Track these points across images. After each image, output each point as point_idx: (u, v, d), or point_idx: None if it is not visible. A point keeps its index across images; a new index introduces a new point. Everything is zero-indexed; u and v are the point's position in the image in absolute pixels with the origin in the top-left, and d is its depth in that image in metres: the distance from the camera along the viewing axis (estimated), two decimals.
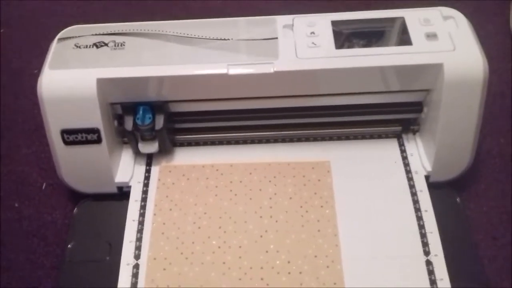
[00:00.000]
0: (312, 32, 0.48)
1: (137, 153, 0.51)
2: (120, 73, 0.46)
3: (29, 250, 0.49)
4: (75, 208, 0.50)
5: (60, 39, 0.49)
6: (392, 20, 0.48)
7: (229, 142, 0.52)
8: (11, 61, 0.67)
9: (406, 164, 0.49)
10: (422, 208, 0.46)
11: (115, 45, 0.48)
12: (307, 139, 0.52)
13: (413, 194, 0.47)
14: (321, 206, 0.47)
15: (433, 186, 0.48)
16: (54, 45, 0.49)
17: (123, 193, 0.50)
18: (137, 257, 0.45)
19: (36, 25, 0.71)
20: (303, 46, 0.47)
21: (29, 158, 0.56)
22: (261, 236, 0.46)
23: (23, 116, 0.60)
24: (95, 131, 0.47)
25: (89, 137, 0.47)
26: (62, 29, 0.51)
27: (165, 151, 0.51)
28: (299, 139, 0.52)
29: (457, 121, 0.46)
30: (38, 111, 0.48)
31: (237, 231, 0.46)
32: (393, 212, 0.46)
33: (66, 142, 0.47)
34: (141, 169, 0.51)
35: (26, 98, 0.62)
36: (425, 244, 0.44)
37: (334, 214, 0.46)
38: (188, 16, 0.69)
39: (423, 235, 0.45)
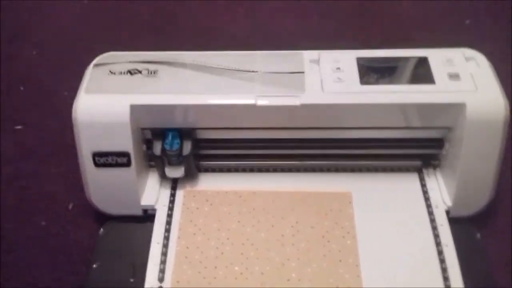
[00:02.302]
0: (338, 68, 0.50)
1: (163, 177, 0.52)
2: (153, 100, 0.48)
3: (55, 268, 0.51)
4: (101, 229, 0.52)
5: (96, 65, 0.51)
6: (415, 59, 0.50)
7: (252, 169, 0.54)
8: (43, 83, 0.69)
9: (427, 199, 0.50)
10: (443, 242, 0.47)
11: (148, 73, 0.50)
12: (329, 169, 0.53)
13: (434, 228, 0.48)
14: (343, 237, 0.48)
15: (453, 221, 0.49)
16: (90, 70, 0.51)
17: (148, 216, 0.51)
18: (160, 280, 0.46)
19: (67, 49, 0.73)
20: (329, 81, 0.48)
21: (57, 177, 0.58)
22: (283, 264, 0.46)
23: (53, 136, 0.62)
24: (126, 154, 0.48)
25: (119, 160, 0.49)
26: (91, 53, 0.53)
27: (191, 176, 0.52)
28: (321, 170, 0.53)
29: (478, 159, 0.47)
30: (67, 132, 0.49)
31: (259, 258, 0.47)
32: (414, 245, 0.47)
33: (97, 164, 0.49)
34: (166, 192, 0.52)
35: (56, 119, 0.64)
36: (446, 278, 0.45)
37: (356, 245, 0.47)
38: (214, 46, 0.72)
39: (444, 270, 0.45)
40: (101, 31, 0.76)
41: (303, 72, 0.49)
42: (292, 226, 0.49)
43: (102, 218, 0.52)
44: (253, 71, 0.50)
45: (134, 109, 0.48)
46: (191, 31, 0.75)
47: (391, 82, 0.48)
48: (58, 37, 0.75)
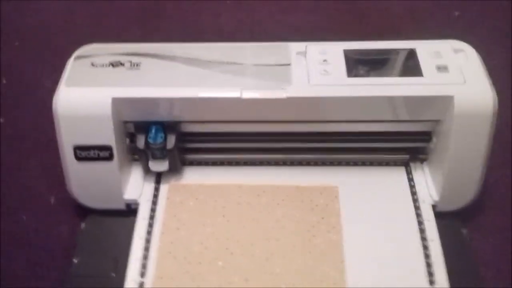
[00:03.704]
0: (325, 60, 0.49)
1: (147, 171, 0.51)
2: (135, 93, 0.47)
3: (36, 263, 0.50)
4: (83, 223, 0.51)
5: (77, 57, 0.50)
6: (403, 51, 0.49)
7: (238, 163, 0.53)
8: (24, 74, 0.68)
9: (414, 193, 0.50)
10: (429, 237, 0.46)
11: (131, 65, 0.49)
12: (316, 163, 0.52)
13: (420, 223, 0.47)
14: (328, 232, 0.47)
15: (439, 216, 0.48)
16: (71, 62, 0.50)
17: (131, 210, 0.51)
18: (142, 275, 0.45)
19: (50, 40, 0.72)
20: (316, 73, 0.48)
21: (38, 171, 0.57)
22: (267, 259, 0.46)
23: (34, 129, 0.61)
24: (108, 148, 0.47)
25: (101, 154, 0.48)
26: (75, 45, 0.52)
27: (175, 170, 0.51)
28: (308, 163, 0.52)
29: (466, 153, 0.47)
30: (49, 125, 0.48)
31: (243, 254, 0.46)
32: (399, 240, 0.46)
33: (78, 158, 0.48)
34: (150, 187, 0.51)
35: (37, 111, 0.63)
36: (430, 274, 0.44)
37: (341, 240, 0.46)
38: (201, 38, 0.71)
39: (429, 265, 0.45)
40: (87, 22, 0.74)
41: (289, 65, 0.49)
42: (277, 221, 0.48)
43: (84, 212, 0.51)
44: (239, 63, 0.49)
45: (116, 102, 0.47)
46: (178, 23, 0.74)
47: (378, 74, 0.47)
48: (41, 27, 0.73)
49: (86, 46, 0.51)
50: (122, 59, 0.49)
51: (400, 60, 0.49)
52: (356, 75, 0.48)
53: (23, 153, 0.59)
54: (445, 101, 0.46)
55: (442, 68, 0.47)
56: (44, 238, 0.52)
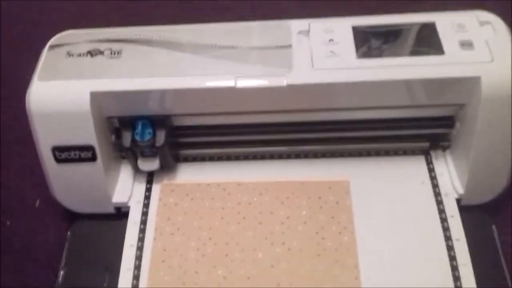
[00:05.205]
0: (331, 39, 0.43)
1: (136, 170, 0.47)
2: (116, 86, 0.42)
3: (21, 272, 0.47)
4: (69, 230, 0.47)
5: (52, 46, 0.45)
6: (421, 25, 0.43)
7: (237, 157, 0.48)
8: (4, 64, 0.63)
9: (435, 185, 0.45)
10: (453, 236, 0.42)
11: (111, 54, 0.44)
12: (323, 155, 0.47)
13: (443, 220, 0.43)
14: (339, 233, 0.43)
15: (464, 210, 0.44)
16: (44, 53, 0.45)
17: (121, 213, 0.46)
18: (135, 287, 0.41)
19: (31, 26, 0.67)
20: (320, 56, 0.42)
21: (22, 171, 0.53)
22: (272, 266, 0.42)
23: (16, 124, 0.57)
24: (89, 148, 0.43)
25: (83, 154, 0.43)
26: (57, 32, 0.47)
27: (167, 168, 0.47)
28: (315, 155, 0.47)
29: (493, 139, 0.42)
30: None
31: (245, 260, 0.42)
32: (420, 240, 0.42)
33: (58, 160, 0.44)
34: (140, 187, 0.47)
35: (19, 104, 0.58)
36: (456, 278, 0.40)
37: (354, 242, 0.42)
38: (195, 15, 0.65)
39: (454, 268, 0.40)
40: (70, 8, 0.68)
41: (290, 46, 0.43)
42: (282, 223, 0.44)
43: (72, 215, 0.47)
44: (233, 47, 0.44)
45: (96, 96, 0.42)
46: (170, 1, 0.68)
47: (392, 54, 0.42)
48: (20, 15, 0.68)
49: (61, 34, 0.46)
50: (101, 46, 0.44)
51: (417, 36, 0.43)
52: (367, 56, 0.42)
53: (5, 151, 0.55)
54: (471, 83, 0.40)
55: (466, 44, 0.41)
56: (30, 244, 0.48)
